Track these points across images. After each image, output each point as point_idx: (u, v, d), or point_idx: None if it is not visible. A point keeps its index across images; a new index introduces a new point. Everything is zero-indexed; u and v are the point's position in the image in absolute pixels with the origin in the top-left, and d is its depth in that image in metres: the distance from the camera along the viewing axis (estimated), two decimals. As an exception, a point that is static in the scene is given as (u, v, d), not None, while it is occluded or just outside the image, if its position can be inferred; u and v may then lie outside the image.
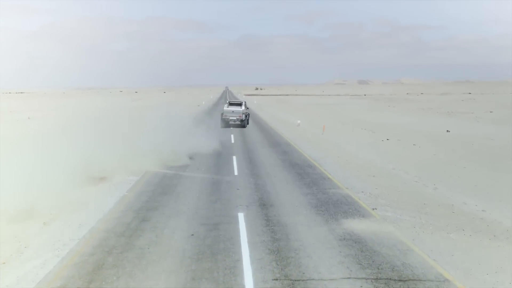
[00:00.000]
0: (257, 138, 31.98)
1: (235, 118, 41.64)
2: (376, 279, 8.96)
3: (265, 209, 13.86)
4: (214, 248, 10.66)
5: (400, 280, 8.91)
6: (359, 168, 21.04)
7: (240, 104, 44.69)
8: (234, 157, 23.22)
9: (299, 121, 43.93)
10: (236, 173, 19.30)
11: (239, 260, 9.88)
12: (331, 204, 14.51)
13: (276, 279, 8.91)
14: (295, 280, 8.87)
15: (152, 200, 15.17)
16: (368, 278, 8.99)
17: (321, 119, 55.62)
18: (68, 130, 40.51)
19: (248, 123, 43.39)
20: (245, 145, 28.30)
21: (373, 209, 14.04)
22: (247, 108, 45.83)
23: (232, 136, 32.31)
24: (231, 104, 45.51)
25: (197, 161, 22.14)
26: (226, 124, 41.57)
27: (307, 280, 8.91)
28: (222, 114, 43.88)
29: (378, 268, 9.47)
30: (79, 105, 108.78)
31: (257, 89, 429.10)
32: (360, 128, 45.53)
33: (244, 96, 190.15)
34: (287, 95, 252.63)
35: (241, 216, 13.10)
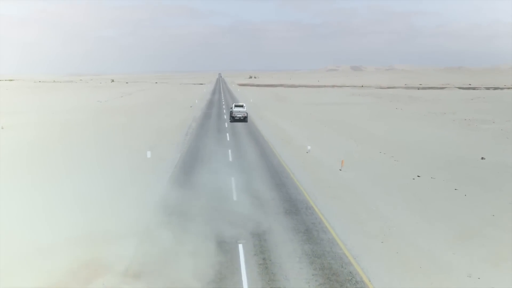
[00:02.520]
0: (266, 191, 24.76)
1: (240, 115, 59.84)
2: None
3: None
4: None
5: None
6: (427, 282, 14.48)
7: (242, 106, 63.07)
8: (243, 269, 15.90)
9: (309, 147, 37.40)
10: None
11: None
12: None
13: None
14: None
15: None
16: None
17: (330, 134, 49.19)
18: (33, 160, 34.02)
19: (247, 121, 59.65)
20: (254, 210, 21.24)
21: None
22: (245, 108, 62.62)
23: (233, 189, 25.30)
24: (236, 106, 63.14)
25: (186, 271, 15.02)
26: (234, 119, 59.75)
27: None
28: (231, 112, 61.48)
29: None
30: (64, 103, 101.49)
31: (251, 77, 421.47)
32: (378, 152, 39.19)
33: (238, 88, 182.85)
34: (281, 85, 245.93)
35: None
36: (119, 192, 23.64)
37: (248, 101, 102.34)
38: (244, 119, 59.48)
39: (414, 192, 25.90)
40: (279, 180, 27.07)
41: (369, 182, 27.88)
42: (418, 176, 30.28)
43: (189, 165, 31.68)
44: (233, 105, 63.90)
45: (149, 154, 35.19)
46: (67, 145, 41.57)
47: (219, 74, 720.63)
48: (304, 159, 33.95)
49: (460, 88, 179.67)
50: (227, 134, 46.66)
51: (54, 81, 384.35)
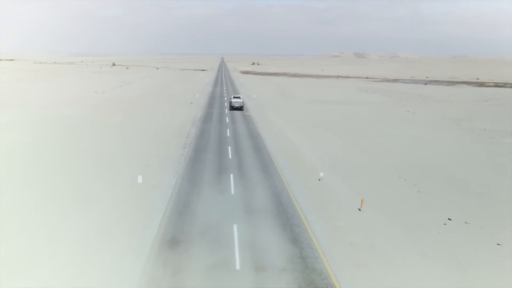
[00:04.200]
0: (276, 253, 20.26)
1: (237, 105, 73.24)
2: None
3: None
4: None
5: None
6: None
7: (239, 97, 76.85)
8: None
9: (321, 174, 33.12)
10: None
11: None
12: None
13: None
14: None
15: None
16: None
17: (341, 148, 44.93)
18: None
19: (243, 109, 73.14)
20: None
21: None
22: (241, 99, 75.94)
23: (236, 248, 20.75)
24: (234, 97, 76.80)
25: None
26: (232, 108, 73.39)
27: None
28: (230, 102, 75.04)
29: None
30: (59, 93, 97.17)
31: (253, 63, 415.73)
32: (398, 177, 35.15)
33: (241, 78, 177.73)
34: (285, 74, 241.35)
35: None
36: (90, 255, 19.41)
37: (251, 96, 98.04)
38: (241, 108, 73.50)
39: (451, 250, 21.74)
40: (291, 231, 22.77)
41: (396, 232, 23.68)
42: (449, 219, 26.17)
43: (185, 199, 27.49)
44: (232, 97, 78.04)
45: (140, 178, 31.04)
46: (49, 158, 37.47)
47: (222, 58, 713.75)
48: (318, 193, 29.67)
49: (469, 83, 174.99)
50: (229, 148, 42.38)
51: (54, 62, 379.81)
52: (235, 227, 22.83)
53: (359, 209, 26.84)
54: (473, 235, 23.87)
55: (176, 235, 21.81)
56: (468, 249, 21.94)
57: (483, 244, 22.62)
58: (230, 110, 73.20)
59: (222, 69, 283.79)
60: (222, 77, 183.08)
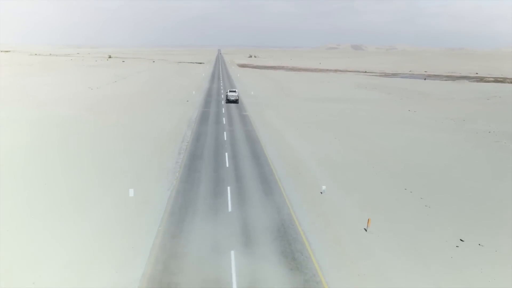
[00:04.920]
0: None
1: (233, 98, 78.28)
2: None
3: None
4: None
5: None
6: None
7: (235, 91, 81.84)
8: None
9: (323, 187, 31.30)
10: None
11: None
12: None
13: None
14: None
15: None
16: None
17: (342, 153, 43.12)
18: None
19: (238, 102, 79.16)
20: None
21: None
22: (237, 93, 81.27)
23: (233, 277, 19.43)
24: (230, 91, 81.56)
25: None
26: (228, 101, 78.45)
27: None
28: (227, 96, 79.48)
29: None
30: (52, 89, 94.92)
31: (250, 56, 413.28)
32: (403, 188, 33.47)
33: (238, 73, 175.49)
34: (282, 67, 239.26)
35: None
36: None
37: (249, 94, 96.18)
38: (236, 101, 78.89)
39: (467, 280, 20.09)
40: (293, 259, 20.91)
41: (407, 258, 21.94)
42: (462, 240, 24.46)
43: (179, 218, 25.66)
44: (228, 90, 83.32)
45: (131, 192, 29.16)
46: (38, 165, 35.60)
47: (219, 50, 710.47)
48: (320, 209, 27.89)
49: (468, 78, 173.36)
50: (226, 155, 40.53)
51: (50, 54, 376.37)
52: (232, 254, 21.02)
53: (365, 229, 25.08)
54: (488, 261, 22.16)
55: (168, 264, 19.98)
56: (485, 279, 20.26)
57: (500, 274, 20.90)
58: (226, 103, 78.82)
59: (219, 62, 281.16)
60: (219, 71, 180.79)
